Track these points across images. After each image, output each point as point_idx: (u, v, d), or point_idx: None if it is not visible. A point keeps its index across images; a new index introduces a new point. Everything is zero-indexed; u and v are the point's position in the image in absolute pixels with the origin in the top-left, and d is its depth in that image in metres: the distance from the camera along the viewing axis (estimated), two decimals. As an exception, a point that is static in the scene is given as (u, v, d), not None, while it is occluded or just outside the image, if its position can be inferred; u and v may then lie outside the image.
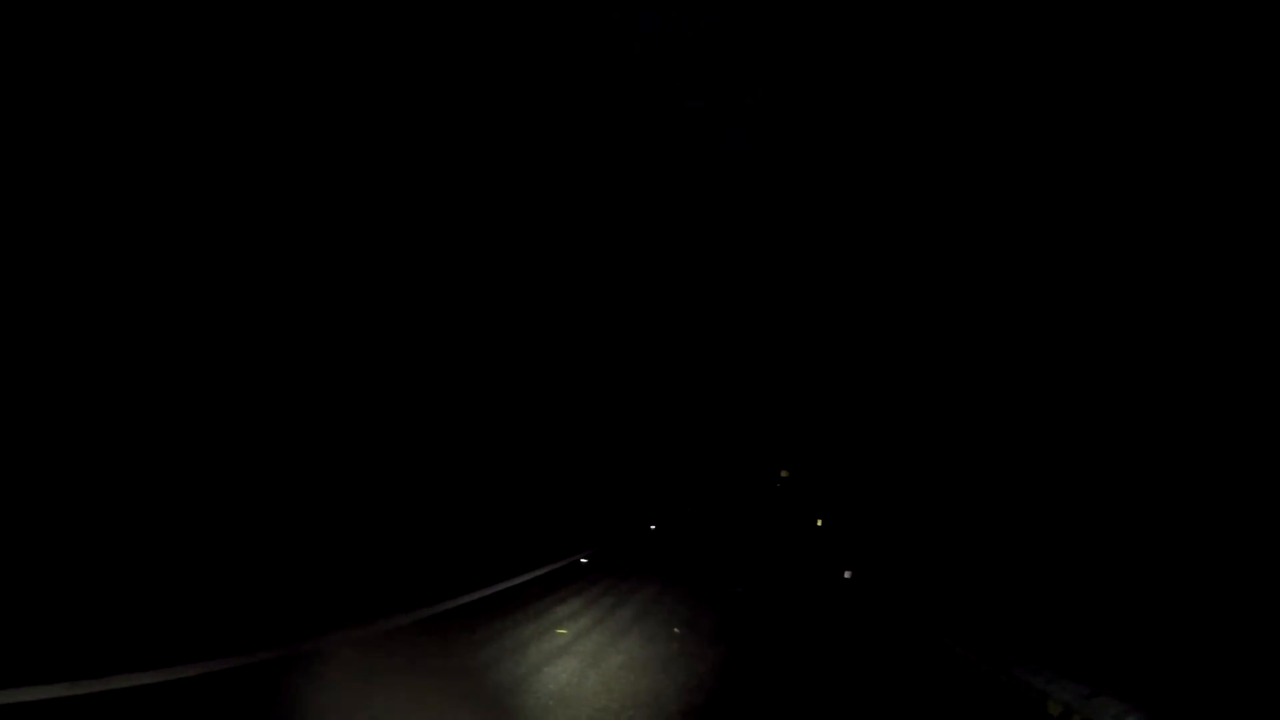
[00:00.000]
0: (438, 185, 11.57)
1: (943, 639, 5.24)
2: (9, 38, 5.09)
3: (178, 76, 6.41)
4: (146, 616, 3.97)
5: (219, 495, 6.21)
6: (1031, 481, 8.26)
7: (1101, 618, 4.86)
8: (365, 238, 9.62)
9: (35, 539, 4.55)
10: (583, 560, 8.90)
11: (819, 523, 17.10)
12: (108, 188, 5.86)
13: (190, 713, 2.84)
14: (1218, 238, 5.66)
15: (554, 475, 16.18)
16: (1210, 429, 5.50)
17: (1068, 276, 7.80)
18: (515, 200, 14.55)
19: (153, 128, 6.24)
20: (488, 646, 4.21)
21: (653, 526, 15.81)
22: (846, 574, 9.23)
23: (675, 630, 5.24)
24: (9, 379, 5.00)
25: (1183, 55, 5.90)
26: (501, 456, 13.70)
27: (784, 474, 33.89)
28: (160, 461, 5.90)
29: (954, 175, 10.30)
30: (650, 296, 23.33)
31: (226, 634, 3.77)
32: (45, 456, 5.04)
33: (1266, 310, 5.15)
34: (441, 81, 11.66)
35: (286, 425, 7.55)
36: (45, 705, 2.66)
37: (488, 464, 12.92)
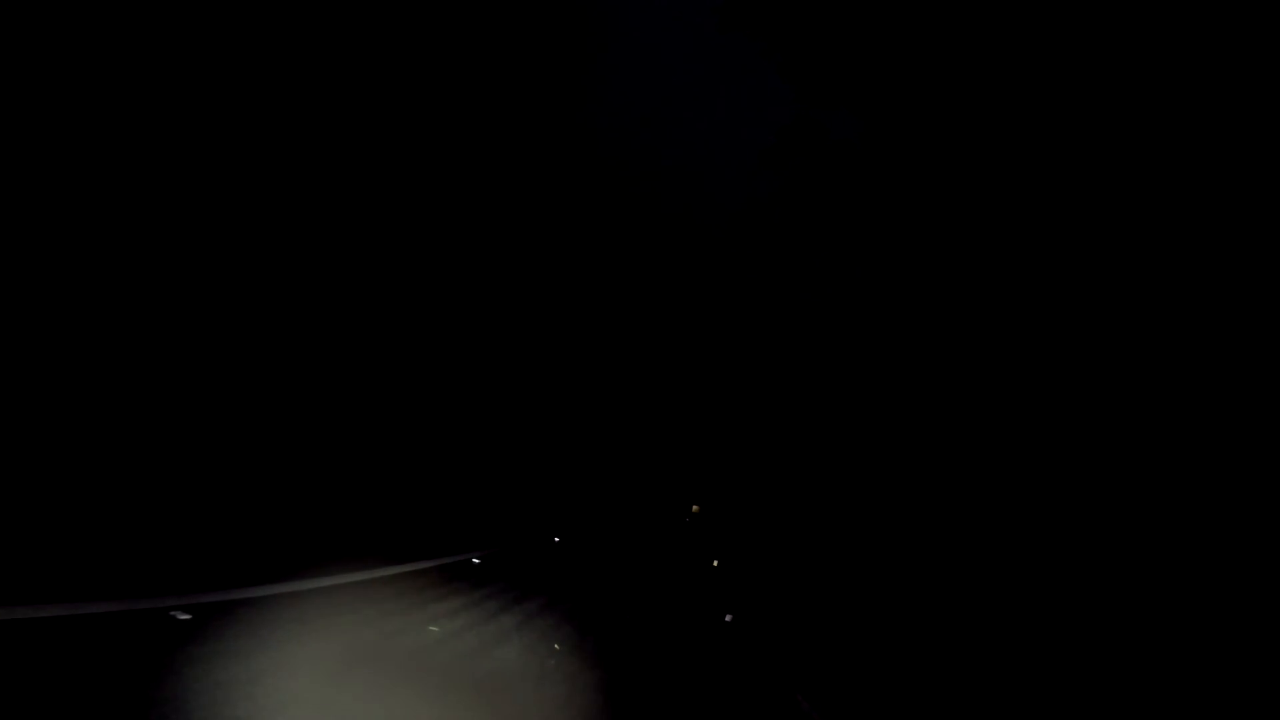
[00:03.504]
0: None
1: (795, 693, 5.61)
2: (9, 37, 4.91)
3: (178, 75, 6.32)
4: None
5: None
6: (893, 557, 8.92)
7: (934, 684, 5.35)
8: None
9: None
10: (474, 560, 8.84)
11: (715, 563, 17.58)
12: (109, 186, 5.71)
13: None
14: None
15: (464, 465, 15.91)
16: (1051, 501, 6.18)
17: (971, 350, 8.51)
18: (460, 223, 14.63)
19: (153, 127, 6.11)
20: (347, 633, 4.17)
21: (557, 539, 15.77)
22: (728, 617, 9.59)
23: (555, 646, 5.33)
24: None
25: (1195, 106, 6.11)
26: (415, 441, 13.39)
27: (695, 509, 34.54)
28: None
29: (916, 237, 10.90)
30: (589, 325, 23.65)
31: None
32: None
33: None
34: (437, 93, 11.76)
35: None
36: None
37: (397, 447, 12.61)
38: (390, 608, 5.09)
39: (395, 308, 12.68)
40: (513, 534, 13.60)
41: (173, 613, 3.52)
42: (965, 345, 8.94)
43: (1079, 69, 7.77)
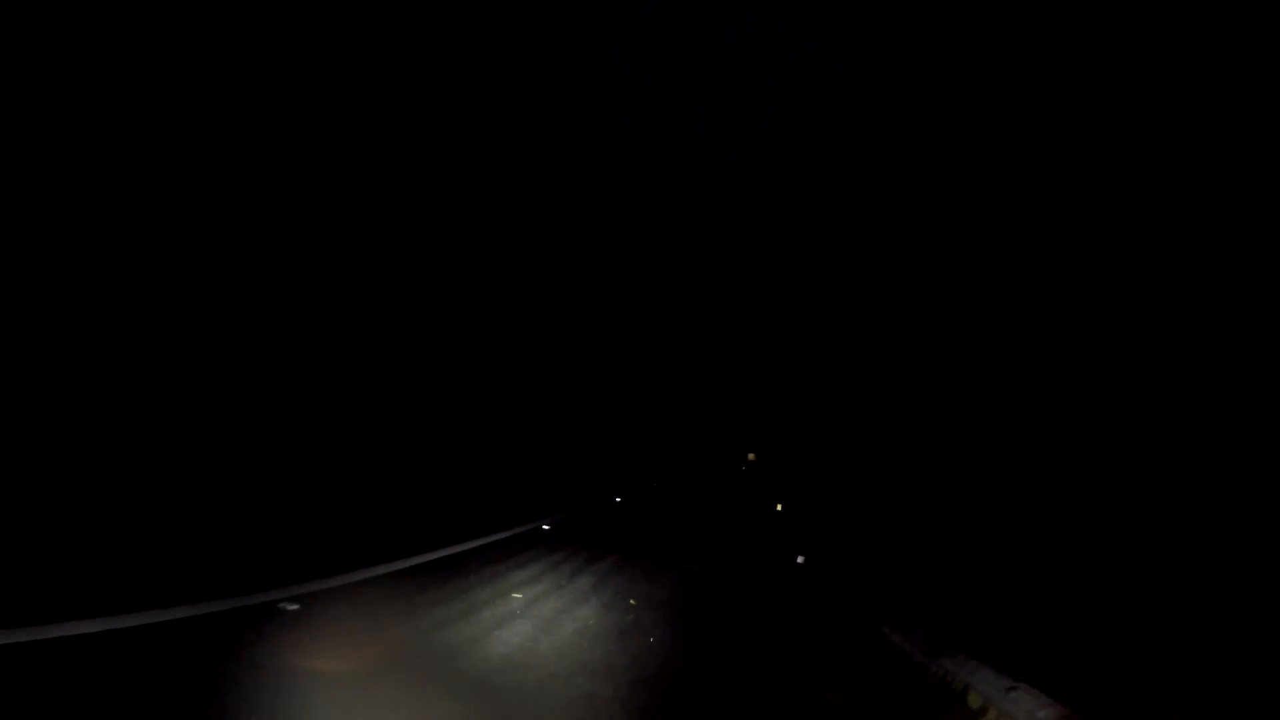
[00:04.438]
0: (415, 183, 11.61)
1: (881, 627, 5.56)
2: (9, 37, 4.93)
3: (177, 76, 6.32)
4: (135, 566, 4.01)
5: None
6: (967, 479, 8.67)
7: (1028, 608, 5.21)
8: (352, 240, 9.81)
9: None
10: (545, 527, 9.08)
11: (779, 507, 17.62)
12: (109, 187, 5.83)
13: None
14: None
15: (524, 439, 16.31)
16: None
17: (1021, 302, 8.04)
18: (499, 198, 14.57)
19: (152, 127, 6.16)
20: (440, 608, 4.34)
21: (618, 499, 16.10)
22: (800, 559, 9.60)
23: (632, 602, 5.44)
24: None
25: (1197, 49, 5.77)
26: (475, 424, 13.76)
27: (751, 456, 34.62)
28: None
29: (949, 180, 10.33)
30: (628, 284, 23.47)
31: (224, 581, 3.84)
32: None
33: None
34: (438, 90, 11.63)
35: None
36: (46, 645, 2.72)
37: (460, 430, 12.99)
38: (475, 580, 5.28)
39: (443, 296, 12.87)
40: (577, 499, 13.93)
41: (281, 604, 3.73)
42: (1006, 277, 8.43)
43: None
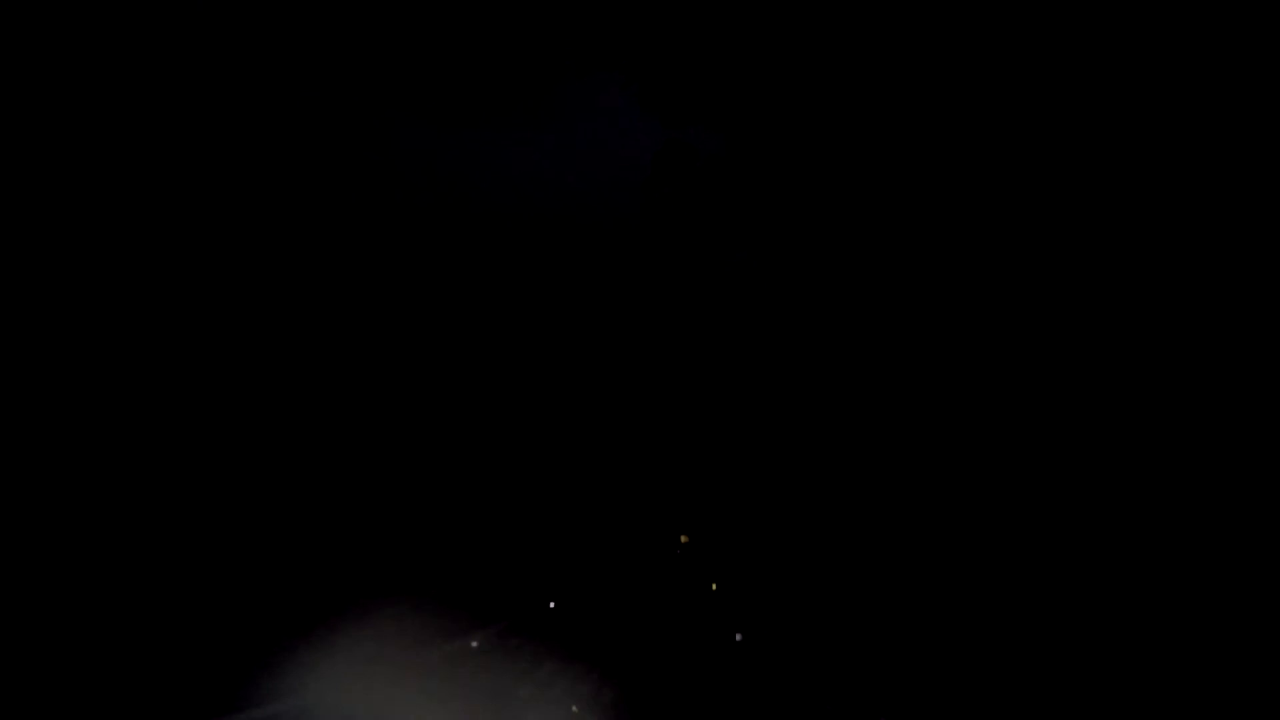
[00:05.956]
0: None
1: (818, 696, 5.72)
2: (9, 37, 4.77)
3: (175, 79, 6.13)
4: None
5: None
6: (888, 555, 9.19)
7: (943, 678, 5.55)
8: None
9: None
10: (473, 645, 8.59)
11: (714, 586, 17.54)
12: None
13: None
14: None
15: (443, 549, 15.40)
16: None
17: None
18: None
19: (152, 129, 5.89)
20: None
21: (552, 604, 15.38)
22: (738, 636, 9.60)
23: (574, 709, 5.27)
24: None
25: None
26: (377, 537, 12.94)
27: (684, 539, 34.30)
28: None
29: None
30: (541, 364, 23.54)
31: None
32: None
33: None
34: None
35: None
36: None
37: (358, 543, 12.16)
38: (400, 706, 4.94)
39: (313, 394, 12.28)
40: (505, 608, 13.23)
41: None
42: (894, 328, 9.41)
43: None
